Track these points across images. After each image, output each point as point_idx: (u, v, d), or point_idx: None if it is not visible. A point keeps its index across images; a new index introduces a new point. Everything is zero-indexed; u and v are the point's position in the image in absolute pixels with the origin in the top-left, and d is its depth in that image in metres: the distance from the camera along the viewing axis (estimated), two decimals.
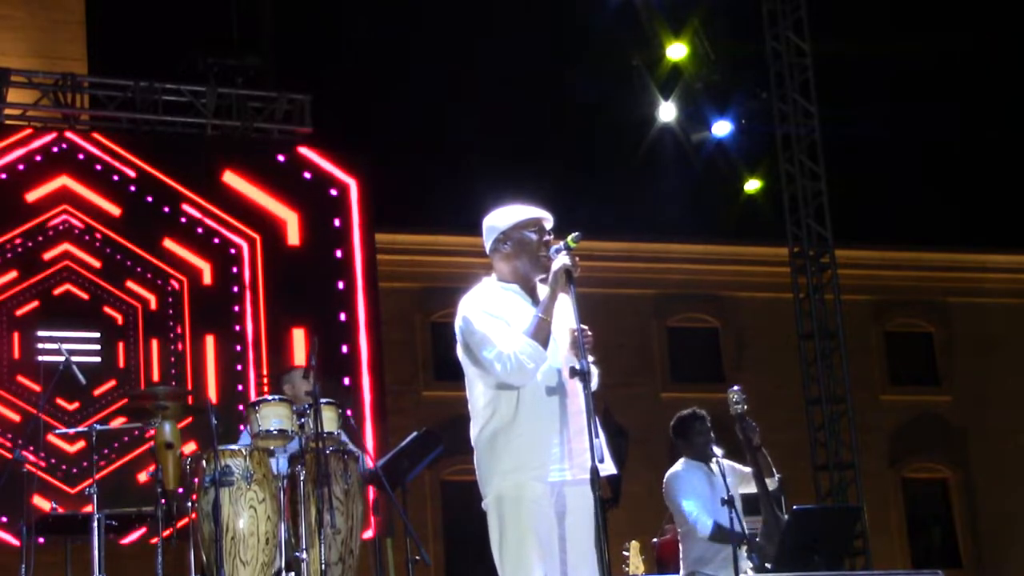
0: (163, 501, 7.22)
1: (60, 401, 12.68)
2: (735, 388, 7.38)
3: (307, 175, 14.07)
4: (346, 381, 13.33)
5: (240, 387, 13.29)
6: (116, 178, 13.51)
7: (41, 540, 8.49)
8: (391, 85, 20.09)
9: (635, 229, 20.00)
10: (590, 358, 4.72)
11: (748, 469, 7.41)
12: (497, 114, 19.43)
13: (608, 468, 4.68)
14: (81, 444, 12.23)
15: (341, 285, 13.84)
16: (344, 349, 13.61)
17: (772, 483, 7.42)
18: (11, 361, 12.80)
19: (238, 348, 13.44)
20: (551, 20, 18.13)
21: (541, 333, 4.72)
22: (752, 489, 7.43)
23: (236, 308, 13.56)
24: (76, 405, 12.75)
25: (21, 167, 13.25)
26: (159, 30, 18.01)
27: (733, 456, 7.52)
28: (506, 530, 4.75)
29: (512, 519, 4.73)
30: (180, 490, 7.35)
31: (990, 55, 21.32)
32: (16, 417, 12.53)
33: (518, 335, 4.72)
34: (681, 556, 7.65)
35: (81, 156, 13.46)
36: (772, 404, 16.56)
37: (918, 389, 21.50)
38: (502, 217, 5.00)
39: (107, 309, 13.28)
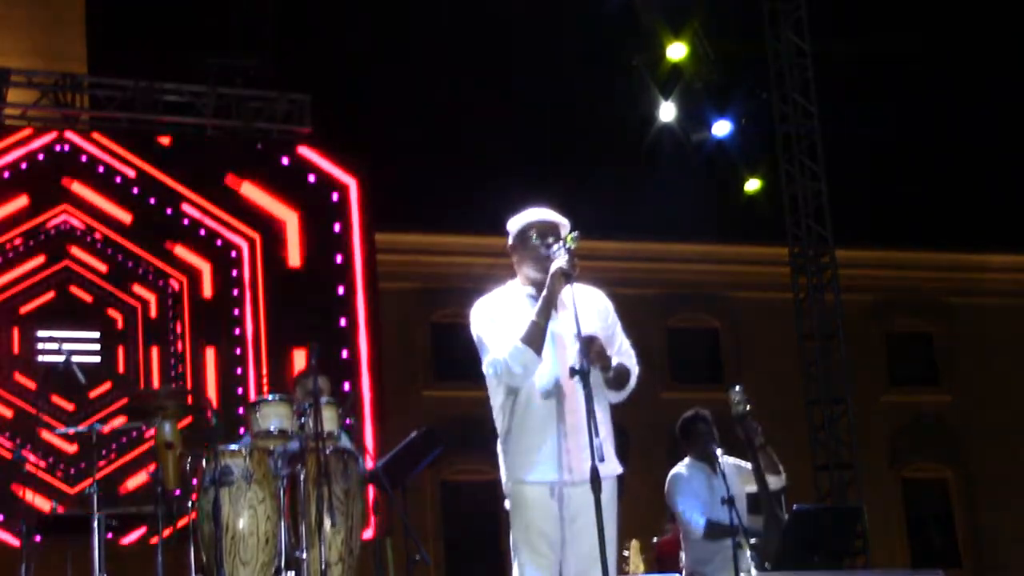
0: (163, 501, 7.21)
1: (59, 401, 12.68)
2: (737, 388, 7.36)
3: (307, 175, 14.07)
4: (346, 386, 13.31)
5: (240, 390, 13.29)
6: (116, 178, 13.52)
7: (41, 540, 8.48)
8: (391, 85, 20.09)
9: (635, 229, 20.00)
10: (616, 360, 4.77)
11: (751, 466, 7.40)
12: (497, 114, 19.43)
13: (611, 467, 4.71)
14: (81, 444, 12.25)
15: (341, 289, 13.84)
16: (344, 351, 13.60)
17: (779, 481, 7.40)
18: (9, 359, 12.80)
19: (238, 351, 13.44)
20: (551, 20, 18.12)
21: (533, 336, 4.74)
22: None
23: (236, 311, 13.56)
24: (73, 406, 12.75)
25: (22, 167, 13.25)
26: (159, 30, 18.00)
27: (735, 455, 7.51)
28: (516, 530, 4.86)
29: (518, 518, 4.84)
30: (178, 492, 7.34)
31: (991, 55, 21.33)
32: (7, 412, 12.50)
33: (511, 339, 4.74)
34: (683, 556, 7.66)
35: (81, 156, 13.46)
36: (772, 404, 16.53)
37: (918, 389, 21.51)
38: (512, 223, 5.09)
39: (107, 309, 13.28)
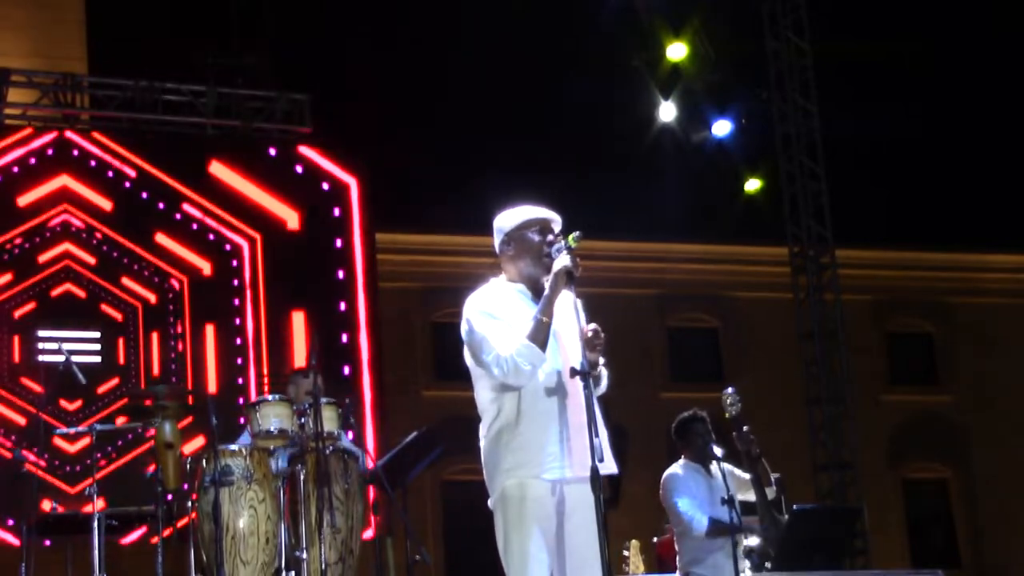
0: (164, 501, 7.21)
1: (61, 400, 12.69)
2: (729, 391, 7.32)
3: (307, 175, 14.06)
4: (347, 386, 13.32)
5: (240, 380, 13.30)
6: (116, 178, 13.51)
7: (41, 540, 8.49)
8: (391, 85, 20.09)
9: (635, 229, 20.00)
10: (601, 360, 4.74)
11: (747, 476, 7.39)
12: (498, 114, 19.43)
13: (609, 467, 4.69)
14: (82, 444, 12.24)
15: (343, 284, 13.84)
16: (345, 347, 13.60)
17: (770, 493, 7.39)
18: (12, 362, 12.80)
19: (238, 341, 13.45)
20: (551, 20, 18.12)
21: (540, 334, 4.74)
22: (751, 497, 7.41)
23: (236, 301, 13.56)
24: (78, 404, 12.76)
25: (21, 167, 13.25)
26: (159, 30, 18.00)
27: (732, 459, 7.50)
28: (509, 529, 4.78)
29: (515, 518, 4.76)
30: (174, 494, 7.33)
31: (991, 56, 21.33)
32: (20, 419, 12.50)
33: (516, 337, 4.74)
34: (677, 556, 7.65)
35: (81, 156, 13.45)
36: (772, 404, 16.56)
37: (918, 389, 21.51)
38: (506, 219, 5.02)
39: (107, 308, 13.29)
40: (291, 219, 13.94)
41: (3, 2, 16.19)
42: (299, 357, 13.26)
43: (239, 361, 13.41)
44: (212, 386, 13.20)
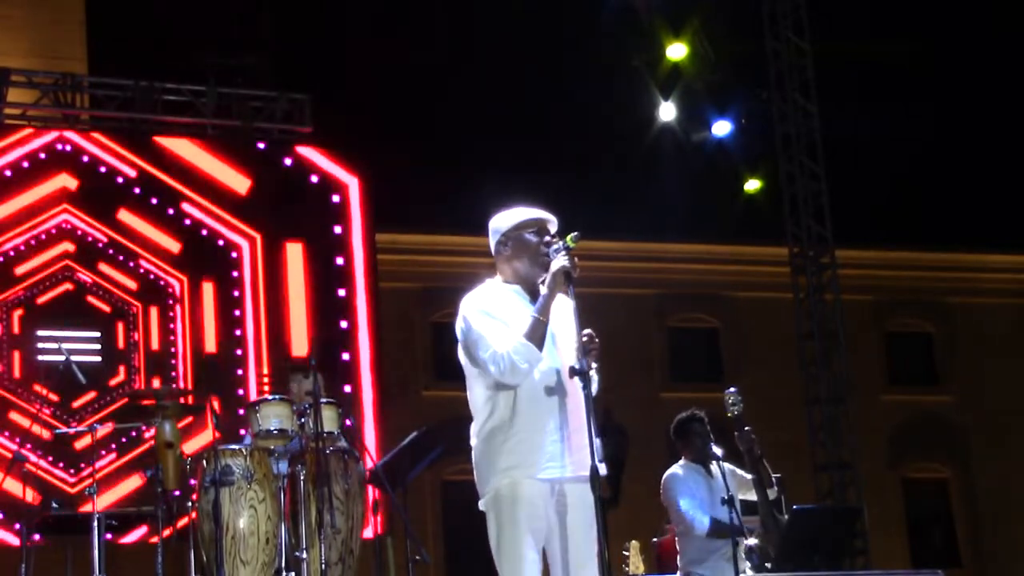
0: (164, 501, 7.22)
1: (64, 398, 12.69)
2: (731, 390, 7.33)
3: (307, 175, 14.07)
4: (347, 388, 13.32)
5: (240, 372, 13.31)
6: (116, 178, 13.52)
7: (41, 540, 8.49)
8: (391, 85, 20.09)
9: (635, 229, 20.01)
10: (594, 364, 4.73)
11: (749, 476, 7.39)
12: (497, 114, 19.43)
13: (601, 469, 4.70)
14: (82, 443, 12.24)
15: (342, 289, 13.84)
16: (344, 333, 13.62)
17: (772, 493, 7.40)
18: (20, 366, 12.80)
19: (238, 352, 13.46)
20: (551, 20, 18.12)
21: (537, 333, 4.74)
22: (752, 496, 7.41)
23: (236, 312, 13.57)
24: (89, 398, 12.77)
25: (21, 167, 13.25)
26: (159, 30, 18.00)
27: (731, 459, 7.51)
28: (503, 529, 4.76)
29: (508, 518, 4.75)
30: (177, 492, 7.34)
31: (991, 56, 21.33)
32: (25, 422, 12.45)
33: (514, 335, 4.73)
34: (677, 556, 7.66)
35: (81, 156, 13.46)
36: (772, 404, 16.55)
37: (918, 389, 21.52)
38: (503, 219, 5.02)
39: (107, 308, 13.29)
40: (291, 218, 13.92)
41: (3, 2, 16.19)
42: (298, 346, 13.26)
43: (238, 352, 13.40)
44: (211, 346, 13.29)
